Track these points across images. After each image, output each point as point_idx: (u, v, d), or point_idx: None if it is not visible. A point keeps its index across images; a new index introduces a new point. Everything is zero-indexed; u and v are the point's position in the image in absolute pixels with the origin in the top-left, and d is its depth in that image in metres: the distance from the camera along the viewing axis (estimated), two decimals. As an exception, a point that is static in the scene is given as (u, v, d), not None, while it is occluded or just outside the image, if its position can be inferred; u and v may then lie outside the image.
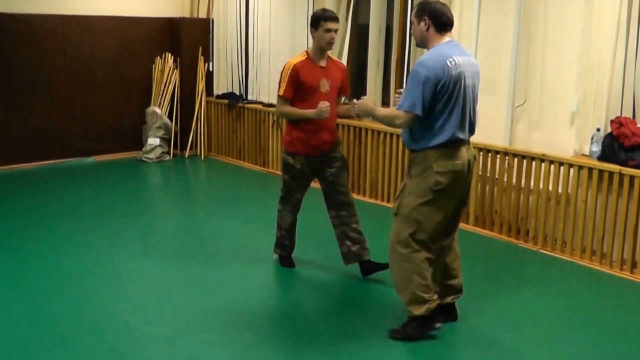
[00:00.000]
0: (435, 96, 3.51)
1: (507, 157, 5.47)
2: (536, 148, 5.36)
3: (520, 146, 5.51)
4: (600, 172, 4.86)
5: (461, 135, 3.61)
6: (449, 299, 3.94)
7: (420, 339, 3.70)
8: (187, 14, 9.02)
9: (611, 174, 4.80)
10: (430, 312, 3.68)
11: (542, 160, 5.23)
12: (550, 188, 5.20)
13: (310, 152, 4.45)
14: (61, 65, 8.05)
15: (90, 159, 8.36)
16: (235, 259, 4.98)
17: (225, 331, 3.80)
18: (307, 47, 7.42)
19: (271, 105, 7.88)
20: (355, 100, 3.86)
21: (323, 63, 4.43)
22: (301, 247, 4.87)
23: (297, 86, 4.33)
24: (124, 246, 5.23)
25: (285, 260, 4.76)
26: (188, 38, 8.63)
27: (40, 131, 7.96)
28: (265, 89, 8.15)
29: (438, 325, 3.74)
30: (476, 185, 5.69)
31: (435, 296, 3.73)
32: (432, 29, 3.63)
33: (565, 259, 5.09)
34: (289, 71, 4.34)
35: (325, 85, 4.40)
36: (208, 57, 8.78)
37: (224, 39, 8.64)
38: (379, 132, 6.54)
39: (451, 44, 3.65)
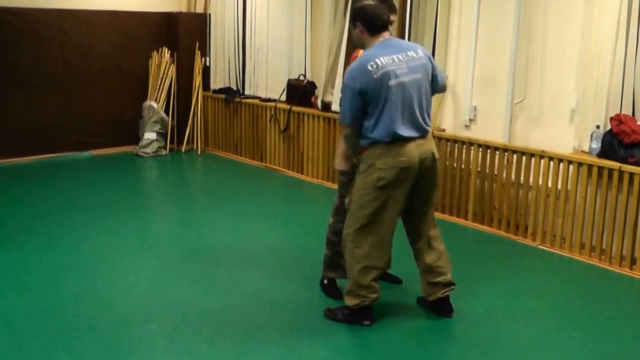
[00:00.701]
0: (364, 100, 3.62)
1: (506, 154, 5.52)
2: (535, 144, 5.40)
3: (519, 143, 5.55)
4: (600, 168, 4.91)
5: (405, 133, 3.63)
6: (439, 294, 4.00)
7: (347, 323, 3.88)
8: (184, 9, 9.03)
9: (611, 170, 4.85)
10: (360, 307, 3.84)
11: (541, 157, 5.28)
12: (550, 184, 5.24)
13: None
14: (58, 58, 8.06)
15: (86, 153, 8.38)
16: (232, 255, 5.00)
17: (224, 328, 3.82)
18: (305, 43, 7.53)
19: (268, 100, 7.91)
20: None
21: None
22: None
23: None
24: (121, 241, 5.25)
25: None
26: (185, 32, 8.65)
27: (36, 125, 7.97)
28: (263, 83, 8.18)
29: (366, 322, 3.87)
30: (475, 181, 5.73)
31: (373, 296, 3.83)
32: (366, 33, 3.71)
33: (565, 255, 5.14)
34: None
35: None
36: (205, 52, 8.80)
37: (221, 33, 8.66)
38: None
39: (383, 44, 3.70)
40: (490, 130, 5.71)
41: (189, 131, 8.72)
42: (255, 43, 8.20)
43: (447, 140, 5.95)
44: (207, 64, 8.82)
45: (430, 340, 3.77)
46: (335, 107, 6.94)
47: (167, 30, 8.75)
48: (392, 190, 3.68)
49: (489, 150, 5.65)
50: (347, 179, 4.04)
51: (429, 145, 3.78)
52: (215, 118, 8.77)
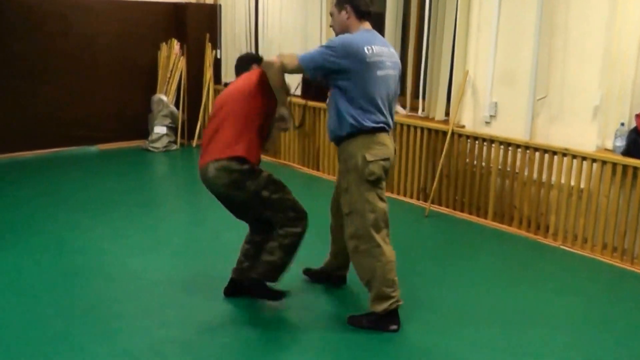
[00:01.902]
0: (341, 75, 3.73)
1: (527, 151, 5.60)
2: (557, 142, 5.48)
3: (541, 140, 5.63)
4: (624, 167, 4.99)
5: (385, 124, 3.88)
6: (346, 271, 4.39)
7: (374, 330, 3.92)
8: (193, 0, 9.12)
9: (635, 169, 4.93)
10: (388, 312, 3.90)
11: (564, 155, 5.37)
12: (572, 183, 5.33)
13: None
14: (62, 50, 8.16)
15: (94, 148, 8.50)
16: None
17: (240, 332, 3.89)
18: (320, 35, 7.59)
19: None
20: None
21: None
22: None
23: None
24: (130, 239, 5.33)
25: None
26: (194, 24, 8.74)
27: (41, 118, 8.10)
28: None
29: (393, 327, 3.93)
30: (495, 179, 5.83)
31: (397, 294, 3.91)
32: (352, 17, 3.89)
33: (586, 256, 5.23)
34: None
35: None
36: (216, 44, 8.89)
37: (232, 25, 8.75)
38: (395, 124, 6.64)
39: (370, 33, 3.89)
40: (511, 127, 5.79)
41: (200, 125, 8.83)
42: (268, 35, 8.27)
43: (467, 137, 6.05)
44: (218, 56, 8.91)
45: (432, 343, 3.84)
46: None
47: (175, 22, 8.84)
48: (381, 182, 3.89)
49: (510, 148, 5.74)
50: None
51: (393, 140, 4.04)
52: (226, 112, 8.85)
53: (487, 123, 5.98)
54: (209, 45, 8.76)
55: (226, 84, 8.79)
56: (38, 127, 8.09)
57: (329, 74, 3.78)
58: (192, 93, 8.82)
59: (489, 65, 5.91)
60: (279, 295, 4.18)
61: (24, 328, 3.83)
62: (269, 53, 8.27)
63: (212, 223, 5.83)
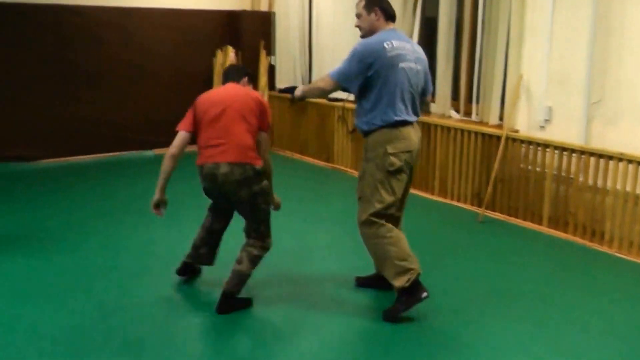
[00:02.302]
0: (370, 75, 4.00)
1: (582, 156, 5.57)
2: (613, 146, 5.43)
3: (596, 144, 5.59)
4: (682, 173, 4.93)
5: (408, 117, 4.11)
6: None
7: (409, 309, 4.05)
8: (247, 7, 9.31)
9: (693, 175, 4.87)
10: (411, 282, 4.03)
11: (620, 160, 5.32)
12: (628, 189, 5.27)
13: None
14: (120, 57, 8.46)
15: (150, 152, 8.75)
16: (295, 260, 5.15)
17: (300, 341, 3.96)
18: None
19: (336, 99, 8.09)
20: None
21: None
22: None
23: None
24: (188, 243, 5.46)
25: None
26: (249, 31, 8.92)
27: (99, 124, 8.41)
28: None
29: (425, 294, 4.05)
30: (550, 185, 5.81)
31: (416, 265, 4.07)
32: (382, 19, 4.19)
33: (644, 263, 5.18)
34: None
35: None
36: (270, 51, 9.04)
37: (286, 32, 8.90)
38: (449, 129, 6.69)
39: (394, 32, 4.19)
40: (566, 131, 5.76)
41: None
42: (321, 41, 8.39)
43: (522, 141, 6.04)
44: (273, 62, 9.07)
45: (489, 347, 3.88)
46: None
47: (230, 29, 9.04)
48: (401, 174, 4.13)
49: (564, 153, 5.71)
50: (263, 202, 4.25)
51: (419, 133, 4.26)
52: (281, 118, 9.02)
53: (542, 127, 5.96)
54: (263, 52, 8.93)
55: (281, 90, 8.97)
56: (97, 132, 8.39)
57: (363, 79, 4.03)
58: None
59: (543, 68, 5.90)
60: (249, 301, 4.36)
61: (86, 324, 4.00)
62: (322, 58, 8.41)
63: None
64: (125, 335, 3.93)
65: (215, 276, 4.62)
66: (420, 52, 4.23)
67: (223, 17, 9.03)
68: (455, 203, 6.69)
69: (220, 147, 4.18)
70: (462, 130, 6.57)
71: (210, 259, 4.69)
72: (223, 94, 4.32)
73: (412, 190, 6.93)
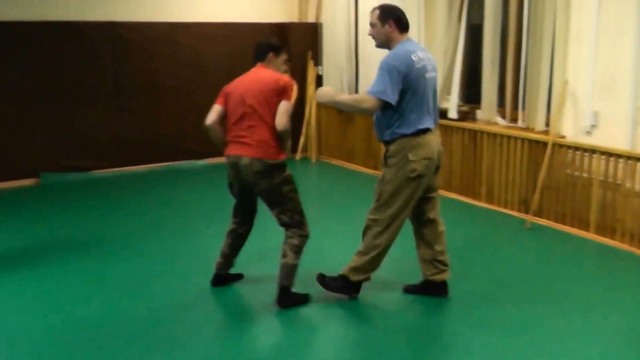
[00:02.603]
0: (403, 87, 4.16)
1: (629, 162, 5.54)
2: (662, 152, 5.40)
3: (644, 149, 5.56)
4: None
5: (430, 125, 4.32)
6: (443, 274, 4.57)
7: (335, 293, 4.52)
8: (295, 19, 9.49)
9: None
10: (358, 284, 4.53)
11: (668, 165, 5.28)
12: (677, 194, 5.23)
13: None
14: (171, 70, 8.71)
15: (201, 162, 8.96)
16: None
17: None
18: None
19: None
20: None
21: None
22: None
23: None
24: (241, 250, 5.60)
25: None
26: (297, 42, 9.08)
27: (152, 134, 8.67)
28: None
29: (355, 295, 4.57)
30: (597, 191, 5.78)
31: (372, 274, 4.51)
32: (395, 30, 4.32)
33: (694, 269, 5.12)
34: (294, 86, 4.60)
35: None
36: (317, 61, 9.18)
37: (333, 42, 9.02)
38: (495, 135, 6.71)
39: (412, 42, 4.38)
40: (613, 136, 5.72)
41: (304, 139, 9.15)
42: (368, 51, 8.47)
43: (568, 147, 6.03)
44: (320, 72, 9.21)
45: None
46: (453, 114, 7.14)
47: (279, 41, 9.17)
48: (421, 180, 4.31)
49: (611, 158, 5.68)
50: (289, 190, 4.40)
51: (439, 138, 4.47)
52: (328, 126, 9.15)
53: (588, 133, 5.94)
54: (310, 62, 9.08)
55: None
56: (150, 143, 8.64)
57: (399, 92, 4.16)
58: (295, 109, 9.10)
59: (589, 73, 5.88)
60: (307, 297, 4.56)
61: (146, 329, 4.18)
62: (369, 67, 8.47)
63: (316, 236, 6.04)
64: (169, 333, 4.11)
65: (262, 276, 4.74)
66: (434, 60, 4.43)
67: (272, 29, 9.19)
68: (502, 210, 6.70)
69: (242, 139, 4.39)
70: (509, 137, 6.59)
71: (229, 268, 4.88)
72: (242, 85, 4.51)
73: (459, 197, 7.06)
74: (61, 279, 5.01)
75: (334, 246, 5.73)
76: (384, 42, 4.40)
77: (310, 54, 9.13)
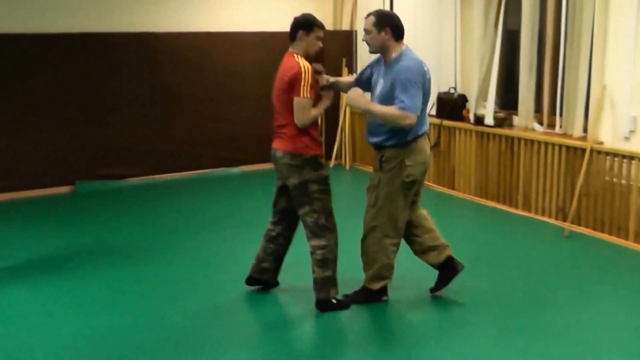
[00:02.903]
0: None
1: (671, 168, 5.45)
2: None
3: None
4: None
5: (426, 129, 4.47)
6: (447, 252, 4.66)
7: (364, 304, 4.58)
8: (330, 27, 9.50)
9: None
10: (382, 288, 4.60)
11: None
12: None
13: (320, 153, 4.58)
14: (207, 79, 8.78)
15: (237, 169, 9.02)
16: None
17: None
18: (454, 55, 7.68)
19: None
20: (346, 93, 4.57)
21: None
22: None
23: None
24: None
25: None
26: (331, 50, 9.08)
27: (188, 142, 8.74)
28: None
29: (385, 298, 4.66)
30: (636, 198, 5.69)
31: (391, 274, 4.59)
32: (392, 38, 4.35)
33: None
34: (310, 73, 4.35)
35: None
36: (352, 69, 9.20)
37: (367, 49, 8.97)
38: (532, 142, 6.65)
39: (412, 51, 4.41)
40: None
41: (338, 147, 9.15)
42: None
43: (607, 153, 5.95)
44: (354, 80, 9.20)
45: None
46: (489, 120, 7.09)
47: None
48: (417, 184, 4.45)
49: (653, 164, 5.60)
50: (327, 190, 4.44)
51: (428, 142, 4.58)
52: (362, 134, 9.10)
53: (627, 139, 5.85)
54: (345, 70, 9.09)
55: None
56: (186, 151, 8.73)
57: None
58: (329, 115, 9.15)
59: (627, 78, 5.80)
60: (347, 303, 4.60)
61: (180, 336, 4.23)
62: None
63: (349, 243, 6.03)
64: (203, 340, 4.14)
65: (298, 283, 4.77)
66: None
67: (307, 37, 9.21)
68: (539, 217, 6.63)
69: (278, 131, 4.46)
70: (546, 143, 6.52)
71: (273, 277, 4.84)
72: (276, 78, 4.47)
73: (495, 204, 7.02)
74: (96, 286, 5.08)
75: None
76: (379, 50, 4.44)
77: (344, 61, 9.14)
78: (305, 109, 4.30)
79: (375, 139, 4.44)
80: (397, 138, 4.33)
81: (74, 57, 7.94)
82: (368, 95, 4.53)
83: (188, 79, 8.64)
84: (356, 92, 4.47)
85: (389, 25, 4.35)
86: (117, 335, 4.23)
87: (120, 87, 8.27)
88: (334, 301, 4.52)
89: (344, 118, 9.15)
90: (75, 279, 5.21)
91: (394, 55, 4.36)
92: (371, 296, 4.63)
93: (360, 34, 9.00)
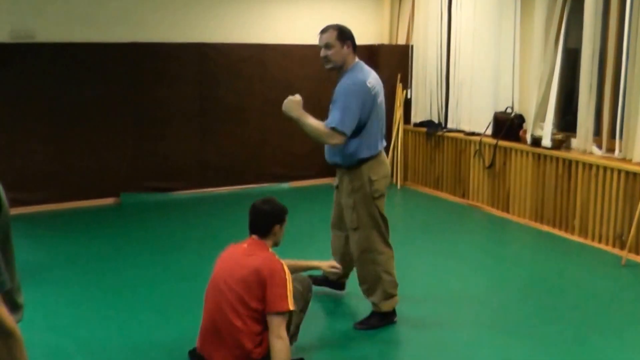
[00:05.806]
0: (362, 115, 4.35)
1: None
2: None
3: None
4: None
5: (383, 145, 4.62)
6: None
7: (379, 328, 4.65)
8: (386, 41, 9.62)
9: None
10: (393, 308, 4.70)
11: None
12: None
13: None
14: (257, 92, 8.99)
15: (285, 185, 9.17)
16: (436, 299, 5.29)
17: None
18: (512, 74, 7.70)
19: (472, 133, 8.21)
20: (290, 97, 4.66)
21: None
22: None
23: None
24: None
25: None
26: (387, 64, 9.19)
27: (235, 156, 8.95)
28: (466, 117, 8.49)
29: (395, 319, 4.72)
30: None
31: (397, 290, 4.69)
32: (352, 51, 4.51)
33: None
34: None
35: None
36: (406, 84, 9.27)
37: (424, 65, 9.09)
38: (590, 165, 6.63)
39: (362, 64, 4.56)
40: None
41: (391, 164, 9.22)
42: (459, 74, 8.53)
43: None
44: (409, 96, 9.28)
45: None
46: (547, 142, 7.08)
47: (369, 63, 9.15)
48: (384, 197, 4.60)
49: None
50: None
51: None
52: (415, 152, 9.20)
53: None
54: (399, 85, 9.18)
55: (416, 124, 9.13)
56: (232, 165, 8.92)
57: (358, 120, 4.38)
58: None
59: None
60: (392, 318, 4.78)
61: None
62: (460, 92, 8.53)
63: (399, 264, 6.10)
64: None
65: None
66: (380, 82, 4.60)
67: (362, 51, 9.19)
68: (596, 244, 6.60)
69: (214, 344, 3.77)
70: (605, 168, 6.50)
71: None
72: (225, 265, 3.96)
73: (551, 229, 6.98)
74: (139, 299, 5.25)
75: (421, 276, 5.77)
76: (339, 65, 4.52)
77: (399, 76, 9.21)
78: (282, 326, 3.62)
79: (335, 159, 4.63)
80: (358, 156, 4.47)
81: (125, 67, 8.18)
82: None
83: (240, 91, 8.85)
84: (295, 99, 4.59)
85: (349, 38, 4.49)
86: (163, 348, 4.39)
87: (171, 98, 8.51)
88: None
89: (397, 135, 9.22)
90: (117, 292, 5.39)
91: (348, 68, 4.50)
92: (384, 319, 4.71)
93: (417, 49, 9.20)
